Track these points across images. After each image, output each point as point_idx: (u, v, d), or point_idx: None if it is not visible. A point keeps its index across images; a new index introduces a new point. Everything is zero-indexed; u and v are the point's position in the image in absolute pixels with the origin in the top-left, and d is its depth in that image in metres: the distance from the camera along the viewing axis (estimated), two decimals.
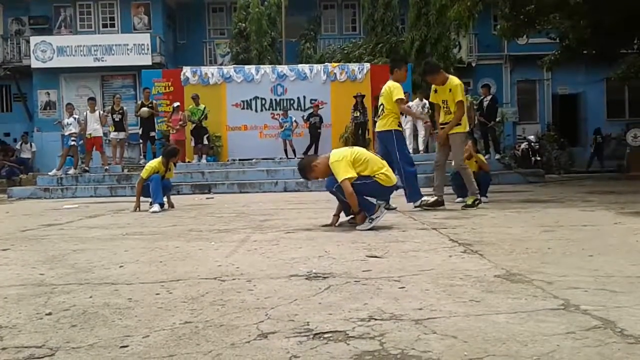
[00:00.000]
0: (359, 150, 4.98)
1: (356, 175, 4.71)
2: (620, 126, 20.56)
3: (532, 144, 16.96)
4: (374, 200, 4.88)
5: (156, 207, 7.41)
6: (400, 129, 6.67)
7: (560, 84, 22.70)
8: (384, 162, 5.05)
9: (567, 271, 2.75)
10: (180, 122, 14.58)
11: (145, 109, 14.77)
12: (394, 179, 5.00)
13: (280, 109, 16.39)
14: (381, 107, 6.68)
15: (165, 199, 7.81)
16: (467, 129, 6.81)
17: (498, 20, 14.81)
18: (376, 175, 4.81)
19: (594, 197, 7.65)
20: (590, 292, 2.33)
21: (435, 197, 6.52)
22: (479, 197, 6.57)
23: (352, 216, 5.02)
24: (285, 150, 15.63)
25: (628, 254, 3.21)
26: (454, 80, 6.67)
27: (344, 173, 4.67)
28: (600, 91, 22.29)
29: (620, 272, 2.70)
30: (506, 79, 22.96)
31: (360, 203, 4.78)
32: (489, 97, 13.82)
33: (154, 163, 7.84)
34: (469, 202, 6.50)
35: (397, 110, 6.56)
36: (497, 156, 13.90)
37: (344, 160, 4.74)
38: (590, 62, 15.68)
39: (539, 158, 16.57)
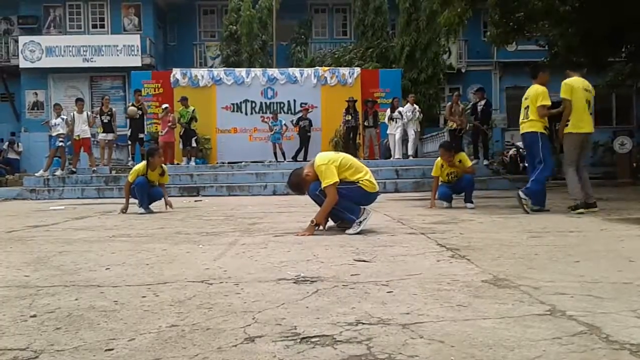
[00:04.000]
0: (344, 156, 4.97)
1: (338, 180, 4.69)
2: (608, 133, 20.75)
3: (521, 150, 17.03)
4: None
5: (141, 210, 7.48)
6: (546, 132, 6.71)
7: (549, 91, 22.84)
8: (367, 168, 5.04)
9: (554, 277, 2.77)
10: (170, 124, 14.52)
11: (132, 108, 14.71)
12: (377, 185, 4.99)
13: (270, 112, 16.39)
14: (526, 109, 6.85)
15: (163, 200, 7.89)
16: (580, 129, 6.80)
17: (488, 27, 14.90)
18: (360, 181, 4.80)
19: None
20: (577, 297, 2.34)
21: (593, 200, 6.60)
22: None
23: (340, 221, 5.01)
24: (275, 154, 15.62)
25: (614, 260, 3.24)
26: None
27: (329, 178, 4.65)
28: None
29: (606, 278, 2.72)
30: (495, 86, 23.11)
31: (345, 207, 4.77)
32: (482, 102, 13.87)
33: (139, 166, 7.82)
34: (573, 205, 6.47)
35: (541, 113, 6.67)
36: (486, 162, 13.97)
37: (330, 164, 4.71)
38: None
39: (527, 164, 16.63)
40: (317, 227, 4.80)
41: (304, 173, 4.89)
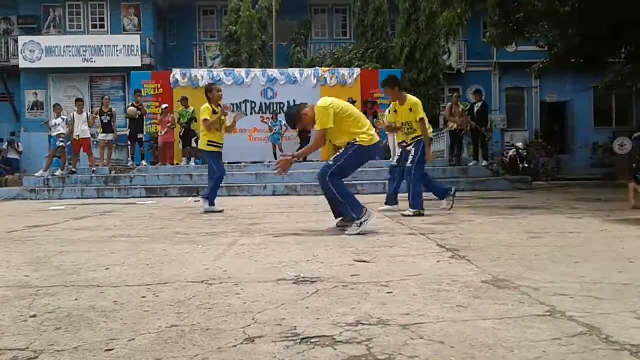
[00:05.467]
0: (347, 104, 5.03)
1: (332, 127, 4.73)
2: (607, 134, 20.78)
3: (520, 151, 17.07)
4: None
5: (206, 205, 7.38)
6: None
7: (548, 91, 22.90)
8: (367, 121, 5.08)
9: (554, 278, 2.77)
10: (169, 125, 14.52)
11: (132, 108, 14.72)
12: (376, 136, 5.01)
13: (270, 113, 16.39)
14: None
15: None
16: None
17: (487, 28, 14.91)
18: (358, 138, 4.83)
19: (580, 204, 7.71)
20: (577, 298, 2.35)
21: None
22: None
23: (340, 218, 5.00)
24: (275, 154, 15.61)
25: (614, 261, 3.24)
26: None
27: (324, 123, 4.72)
28: (588, 99, 22.50)
29: (606, 279, 2.72)
30: (495, 86, 23.11)
31: (348, 200, 4.77)
32: (479, 103, 13.90)
33: (206, 105, 7.48)
34: None
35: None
36: (485, 163, 13.97)
37: (329, 108, 4.75)
38: (579, 70, 15.84)
39: (526, 165, 16.68)
40: (296, 160, 5.07)
41: (304, 111, 4.96)
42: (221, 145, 7.69)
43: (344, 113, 4.80)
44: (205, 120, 7.41)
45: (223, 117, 7.65)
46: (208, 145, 7.54)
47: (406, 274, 2.93)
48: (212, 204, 7.45)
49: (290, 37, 22.60)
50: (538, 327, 1.94)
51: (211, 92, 7.53)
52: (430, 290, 2.54)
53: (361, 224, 4.72)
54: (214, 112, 7.45)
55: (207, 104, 7.49)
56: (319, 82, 16.68)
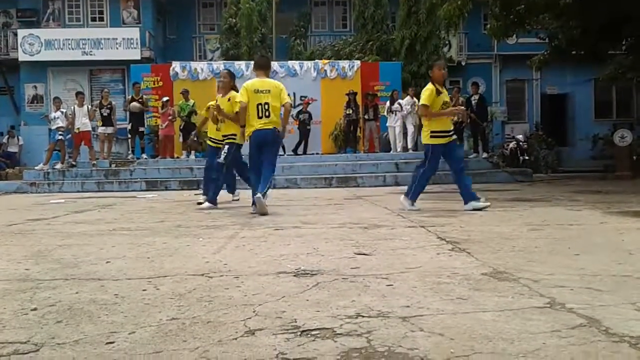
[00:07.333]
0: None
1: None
2: (608, 126, 20.74)
3: (521, 143, 17.04)
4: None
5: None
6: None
7: (549, 83, 22.82)
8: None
9: (554, 270, 2.77)
10: (170, 118, 14.50)
11: (135, 103, 14.69)
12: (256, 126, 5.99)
13: None
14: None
15: None
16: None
17: (488, 20, 14.85)
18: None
19: (580, 196, 7.71)
20: (576, 290, 2.35)
21: None
22: None
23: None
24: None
25: (614, 253, 3.24)
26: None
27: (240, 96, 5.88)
28: (589, 91, 22.45)
29: (606, 271, 2.73)
30: (495, 78, 23.04)
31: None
32: (476, 96, 13.88)
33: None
34: None
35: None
36: (485, 155, 13.96)
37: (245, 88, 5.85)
38: (579, 62, 15.80)
39: (527, 157, 16.67)
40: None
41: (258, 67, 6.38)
42: (449, 134, 5.83)
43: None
44: (424, 106, 5.69)
45: (446, 99, 5.86)
46: (432, 137, 5.76)
47: (406, 267, 2.93)
48: (413, 201, 5.97)
49: (290, 30, 22.52)
50: (538, 319, 1.94)
51: (432, 69, 6.03)
52: (430, 283, 2.54)
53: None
54: (438, 93, 5.71)
55: (430, 85, 5.78)
56: (319, 74, 16.64)
